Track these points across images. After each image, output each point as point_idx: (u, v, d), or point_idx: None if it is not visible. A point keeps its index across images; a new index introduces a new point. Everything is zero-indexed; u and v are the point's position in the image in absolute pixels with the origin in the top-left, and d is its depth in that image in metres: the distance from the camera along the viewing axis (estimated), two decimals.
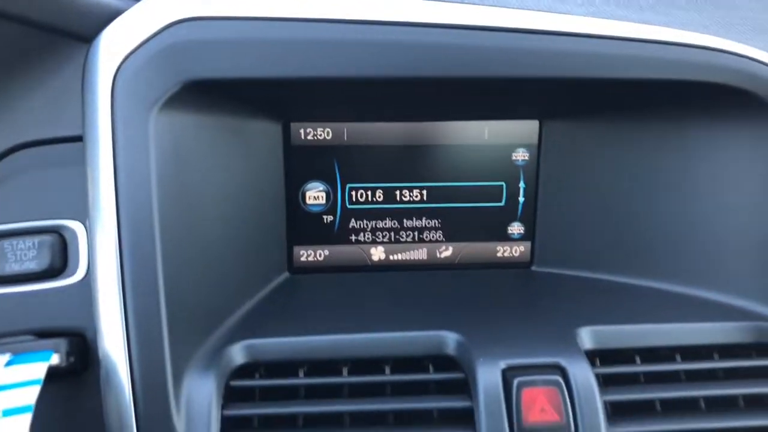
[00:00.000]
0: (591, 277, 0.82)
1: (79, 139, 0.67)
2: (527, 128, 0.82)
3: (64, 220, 0.68)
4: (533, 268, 0.85)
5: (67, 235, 0.67)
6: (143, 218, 0.62)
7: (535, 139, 0.82)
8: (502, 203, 0.83)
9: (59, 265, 0.67)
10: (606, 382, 0.66)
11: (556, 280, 0.82)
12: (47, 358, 0.59)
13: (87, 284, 0.66)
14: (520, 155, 0.82)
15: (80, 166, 0.65)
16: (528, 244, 0.85)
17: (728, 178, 0.75)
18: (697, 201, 0.77)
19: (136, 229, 0.62)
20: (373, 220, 0.82)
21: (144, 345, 0.61)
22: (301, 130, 0.79)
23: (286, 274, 0.82)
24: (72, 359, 0.62)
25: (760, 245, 0.74)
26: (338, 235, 0.83)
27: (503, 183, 0.83)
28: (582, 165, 0.81)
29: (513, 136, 0.82)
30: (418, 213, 0.83)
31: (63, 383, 0.66)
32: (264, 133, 0.77)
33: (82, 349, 0.65)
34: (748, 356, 0.69)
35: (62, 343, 0.61)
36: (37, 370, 0.59)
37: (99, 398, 0.62)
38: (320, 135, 0.79)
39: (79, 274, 0.67)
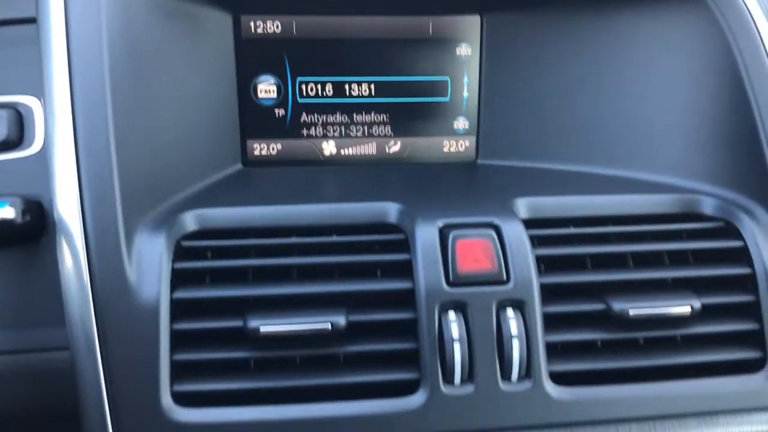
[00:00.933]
0: (533, 167, 0.86)
1: (33, 21, 0.69)
2: (470, 23, 0.86)
3: (20, 95, 0.71)
4: (478, 161, 0.89)
5: (23, 110, 0.70)
6: (96, 91, 0.65)
7: (477, 35, 0.86)
8: (448, 98, 0.87)
9: (15, 138, 0.69)
10: (539, 241, 0.70)
11: (500, 171, 0.86)
12: (2, 205, 0.62)
13: (43, 156, 0.69)
14: (464, 50, 0.86)
15: (35, 45, 0.68)
16: (473, 138, 0.89)
17: (657, 65, 0.80)
18: (630, 89, 0.81)
19: (90, 101, 0.65)
20: (323, 114, 0.86)
21: (97, 205, 0.64)
22: (251, 23, 0.82)
23: (239, 166, 0.85)
24: (28, 218, 0.65)
25: (688, 128, 0.79)
26: (290, 129, 0.86)
27: (448, 78, 0.87)
28: (522, 59, 0.85)
29: (456, 31, 0.86)
30: (368, 108, 0.86)
31: (21, 249, 0.69)
32: (215, 24, 0.80)
33: (39, 215, 0.68)
34: (674, 221, 0.74)
35: (17, 200, 0.64)
36: None
37: (56, 262, 0.66)
38: (270, 28, 0.83)
39: (36, 147, 0.70)
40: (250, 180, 0.82)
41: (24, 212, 0.65)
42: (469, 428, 0.63)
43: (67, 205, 0.64)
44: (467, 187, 0.79)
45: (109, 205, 0.64)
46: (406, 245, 0.68)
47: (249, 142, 0.85)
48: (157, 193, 0.69)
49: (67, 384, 0.66)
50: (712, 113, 0.76)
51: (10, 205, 0.63)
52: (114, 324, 0.62)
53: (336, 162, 0.87)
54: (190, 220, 0.69)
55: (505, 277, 0.66)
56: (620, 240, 0.71)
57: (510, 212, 0.70)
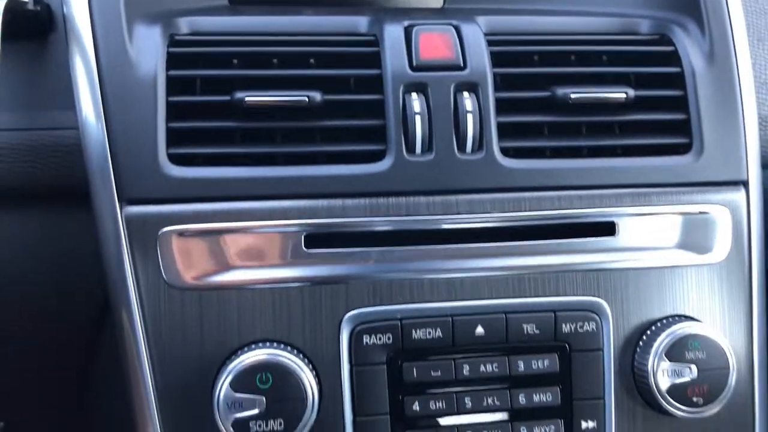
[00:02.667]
0: (497, 7, 0.94)
1: None
2: None
3: None
4: (446, 6, 0.97)
5: None
6: None
7: None
8: None
9: None
10: (494, 42, 0.78)
11: (465, 10, 0.94)
12: None
13: None
14: None
15: None
16: None
17: None
18: None
19: None
20: None
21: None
22: None
23: (224, 2, 0.93)
24: (38, 8, 0.74)
25: None
26: None
27: None
28: None
29: None
30: None
31: (32, 42, 0.77)
32: None
33: (47, 11, 0.76)
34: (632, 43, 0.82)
35: None
36: None
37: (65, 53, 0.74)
38: None
39: None
40: (237, 12, 0.90)
41: (35, 1, 0.73)
42: (428, 189, 0.72)
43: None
44: None
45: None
46: (375, 42, 0.76)
47: None
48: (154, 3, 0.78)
49: (75, 160, 0.74)
50: None
51: None
52: (117, 97, 0.71)
53: (317, 2, 0.95)
54: (183, 23, 0.77)
55: (462, 64, 0.75)
56: (566, 44, 0.80)
57: (470, 20, 0.79)
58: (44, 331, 0.82)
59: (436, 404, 0.71)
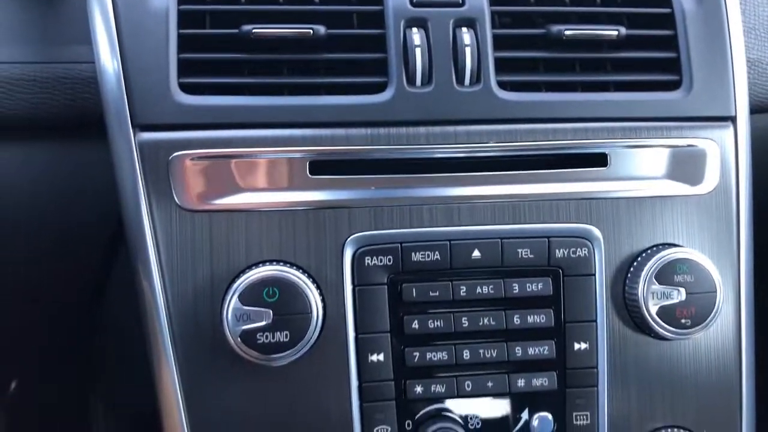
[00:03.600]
0: None
1: None
2: None
3: None
4: None
5: None
6: None
7: None
8: None
9: None
10: None
11: None
12: None
13: None
14: None
15: None
16: None
17: None
18: None
19: None
20: None
21: None
22: None
23: None
24: None
25: None
26: None
27: None
28: None
29: None
30: None
31: None
32: None
33: None
34: None
35: None
36: None
37: None
38: None
39: None
40: None
41: None
42: (427, 119, 0.75)
43: None
44: None
45: None
46: None
47: None
48: None
49: (90, 91, 0.78)
50: None
51: None
52: (131, 30, 0.74)
53: None
54: None
55: (460, 1, 0.78)
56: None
57: None
58: (59, 260, 0.86)
59: (434, 323, 0.74)
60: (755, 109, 0.93)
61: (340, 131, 0.75)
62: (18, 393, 1.51)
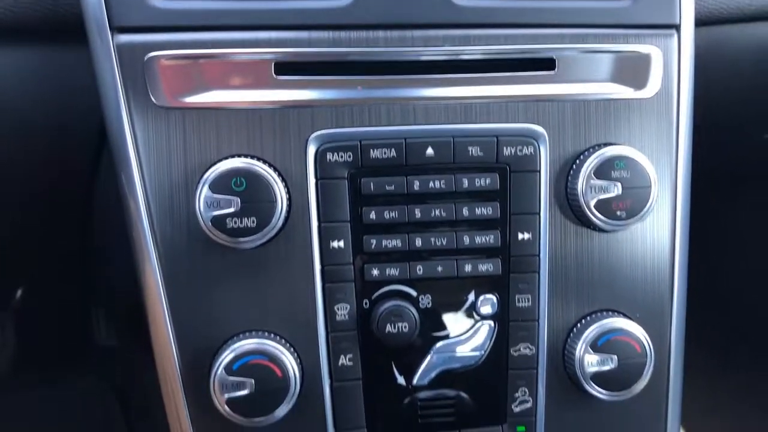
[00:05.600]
0: None
1: None
2: None
3: None
4: None
5: None
6: None
7: None
8: None
9: None
10: None
11: None
12: None
13: None
14: None
15: None
16: None
17: None
18: None
19: None
20: None
21: None
22: None
23: None
24: None
25: None
26: None
27: None
28: None
29: None
30: None
31: None
32: None
33: None
34: None
35: None
36: None
37: None
38: None
39: None
40: None
41: None
42: (386, 23, 0.80)
43: None
44: None
45: None
46: None
47: None
48: None
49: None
50: None
51: None
52: None
53: None
54: None
55: None
56: None
57: None
58: (45, 164, 0.93)
59: (389, 213, 0.81)
60: (706, 20, 0.97)
61: (303, 34, 0.80)
62: (22, 300, 1.61)
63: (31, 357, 1.72)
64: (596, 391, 0.82)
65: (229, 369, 0.77)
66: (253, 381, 0.77)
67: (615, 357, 0.82)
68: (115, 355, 1.73)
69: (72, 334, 1.76)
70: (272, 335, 0.80)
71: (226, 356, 0.78)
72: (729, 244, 1.79)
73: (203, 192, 0.77)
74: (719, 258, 1.89)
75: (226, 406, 0.77)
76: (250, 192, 0.77)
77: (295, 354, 0.80)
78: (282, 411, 0.78)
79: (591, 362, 0.82)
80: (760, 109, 1.15)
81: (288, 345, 0.80)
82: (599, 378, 0.82)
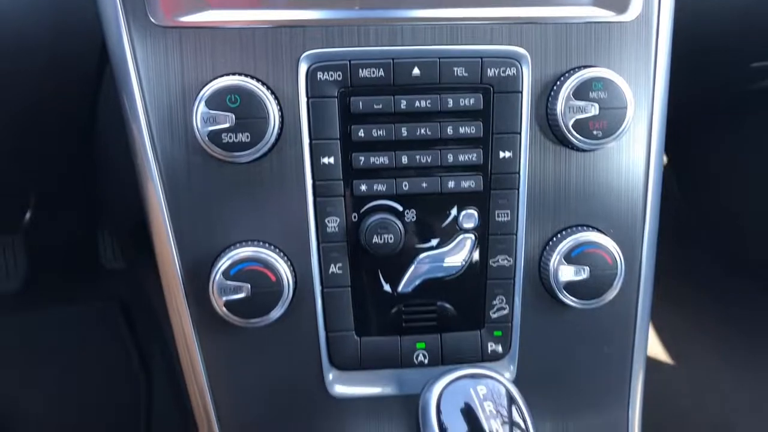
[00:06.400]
0: None
1: None
2: None
3: None
4: None
5: None
6: None
7: None
8: None
9: None
10: None
11: None
12: None
13: None
14: None
15: None
16: None
17: None
18: None
19: None
20: None
21: None
22: None
23: None
24: None
25: None
26: None
27: None
28: None
29: None
30: None
31: None
32: None
33: None
34: None
35: None
36: None
37: None
38: None
39: None
40: None
41: None
42: None
43: None
44: None
45: None
46: None
47: None
48: None
49: None
50: None
51: None
52: None
53: None
54: None
55: None
56: None
57: None
58: (46, 86, 0.96)
59: (377, 132, 0.85)
60: None
61: None
62: (32, 222, 1.67)
63: (41, 277, 1.79)
64: (569, 299, 0.88)
65: (226, 274, 0.83)
66: (249, 285, 0.83)
67: (587, 268, 0.88)
68: (121, 276, 1.81)
69: (80, 255, 1.83)
70: (267, 245, 0.86)
71: (224, 263, 0.84)
72: (711, 170, 1.84)
73: (200, 108, 0.81)
74: (703, 184, 1.94)
75: (224, 308, 0.83)
76: (244, 108, 0.81)
77: (289, 262, 0.86)
78: (276, 313, 0.84)
79: (565, 273, 0.88)
80: (746, 38, 1.18)
81: (282, 254, 0.86)
82: (572, 287, 0.88)
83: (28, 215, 1.67)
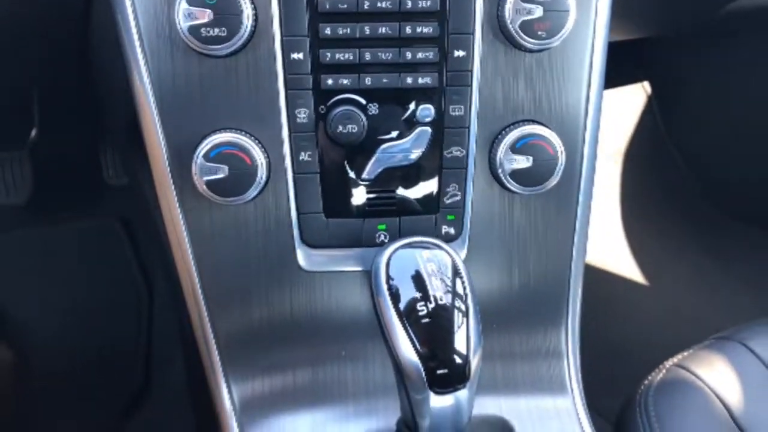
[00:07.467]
0: None
1: None
2: None
3: None
4: None
5: None
6: None
7: None
8: None
9: None
10: None
11: None
12: None
13: None
14: None
15: None
16: None
17: None
18: None
19: None
20: None
21: None
22: None
23: None
24: None
25: None
26: None
27: None
28: None
29: None
30: None
31: None
32: None
33: None
34: None
35: None
36: None
37: None
38: None
39: None
40: None
41: None
42: None
43: None
44: None
45: None
46: None
47: None
48: None
49: None
50: None
51: None
52: None
53: None
54: None
55: None
56: None
57: None
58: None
59: (342, 30, 0.94)
60: None
61: None
62: (38, 141, 1.78)
63: (45, 193, 1.91)
64: (514, 186, 0.99)
65: (207, 156, 0.94)
66: (226, 167, 0.94)
67: (531, 157, 0.98)
68: (122, 192, 1.93)
69: (84, 172, 1.94)
70: (243, 132, 0.96)
71: (205, 146, 0.94)
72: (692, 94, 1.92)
73: (181, 4, 0.90)
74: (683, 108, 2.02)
75: (205, 187, 0.94)
76: (221, 5, 0.90)
77: (263, 149, 0.96)
78: (252, 193, 0.95)
79: (510, 161, 0.98)
80: None
81: (257, 141, 0.96)
82: (517, 175, 0.98)
83: (34, 132, 1.78)
